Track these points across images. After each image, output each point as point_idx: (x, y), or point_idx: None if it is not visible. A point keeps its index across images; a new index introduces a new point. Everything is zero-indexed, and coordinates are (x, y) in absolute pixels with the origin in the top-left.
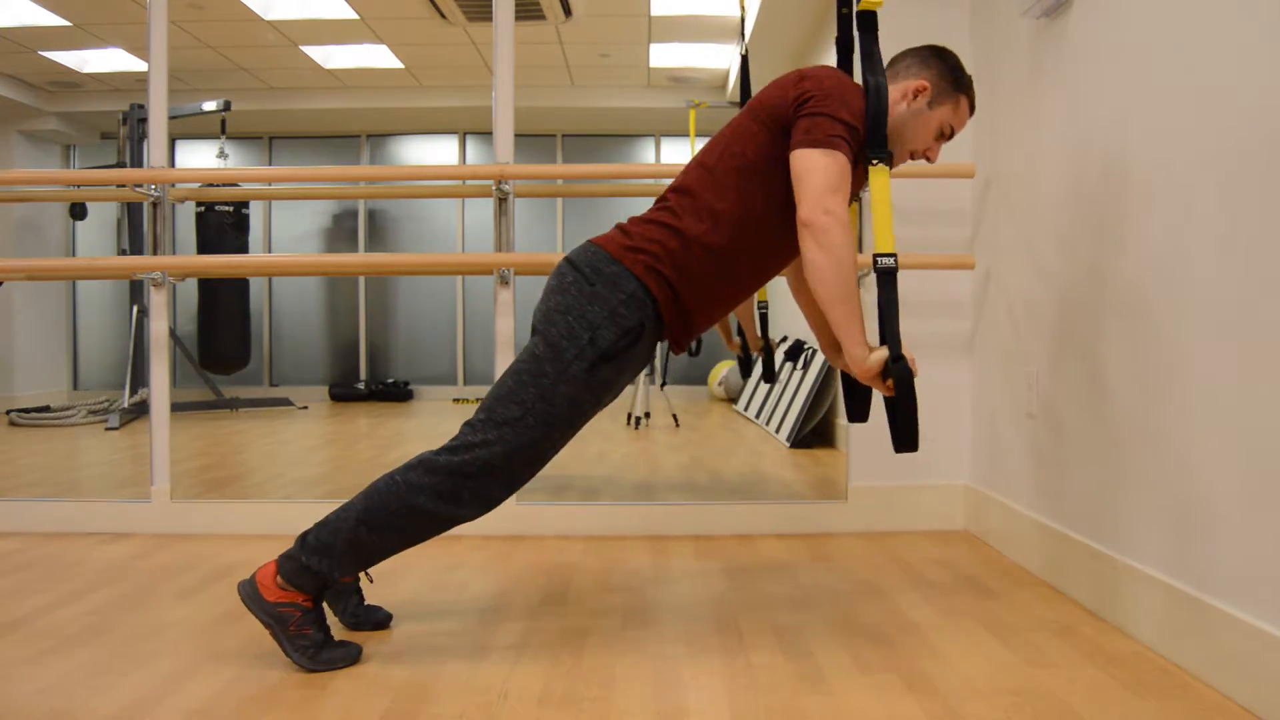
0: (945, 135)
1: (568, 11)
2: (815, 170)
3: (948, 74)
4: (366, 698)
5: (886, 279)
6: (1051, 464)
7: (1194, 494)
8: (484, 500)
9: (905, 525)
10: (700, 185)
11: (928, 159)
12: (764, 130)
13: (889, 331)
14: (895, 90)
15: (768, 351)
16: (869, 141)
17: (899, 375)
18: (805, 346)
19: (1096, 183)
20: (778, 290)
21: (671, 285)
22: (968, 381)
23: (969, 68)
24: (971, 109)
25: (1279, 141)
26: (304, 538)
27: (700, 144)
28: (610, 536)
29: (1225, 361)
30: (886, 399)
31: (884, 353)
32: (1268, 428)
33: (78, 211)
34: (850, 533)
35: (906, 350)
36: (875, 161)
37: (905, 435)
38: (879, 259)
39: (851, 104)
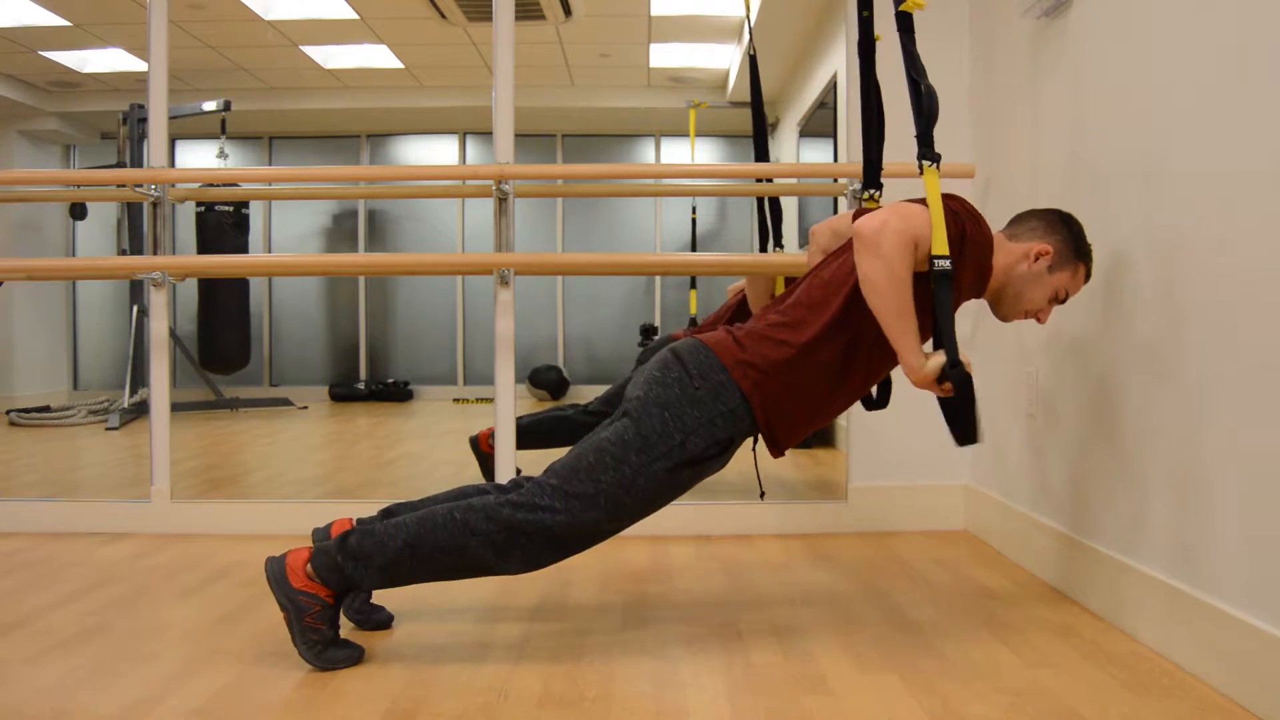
0: (1059, 299)
1: (568, 11)
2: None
3: (1071, 241)
4: (367, 697)
5: (942, 281)
6: (1051, 464)
7: (1194, 494)
8: (531, 562)
9: (905, 525)
10: (822, 299)
11: (1038, 320)
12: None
13: (946, 337)
14: (1018, 249)
15: None
16: (920, 141)
17: (958, 380)
18: None
19: (1096, 182)
20: None
21: (778, 402)
22: None
23: (969, 67)
24: (1088, 276)
25: (1279, 141)
26: (346, 538)
27: (700, 144)
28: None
29: (1225, 361)
30: (943, 399)
31: (940, 359)
32: (1268, 427)
33: (78, 211)
34: (850, 533)
35: (963, 354)
36: (929, 164)
37: (968, 431)
38: (935, 261)
39: (924, 227)
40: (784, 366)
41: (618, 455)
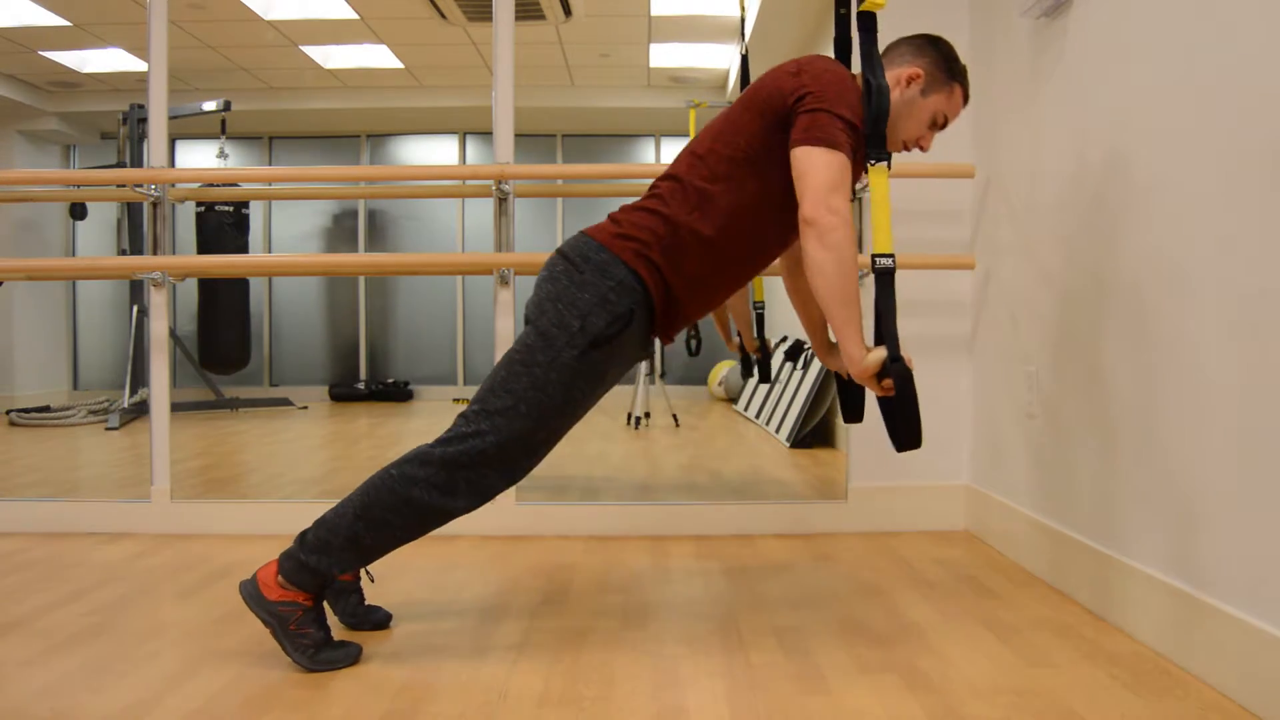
0: (939, 124)
1: (568, 11)
2: (818, 168)
3: (941, 62)
4: (366, 698)
5: (885, 279)
6: (1051, 464)
7: (1194, 494)
8: (480, 491)
9: (905, 525)
10: (691, 173)
11: (920, 148)
12: (758, 120)
13: (887, 332)
14: (889, 77)
15: (764, 353)
16: (869, 141)
17: (898, 375)
18: (805, 347)
19: (1097, 183)
20: (775, 291)
21: (660, 272)
22: (968, 381)
23: (968, 67)
24: (965, 98)
25: (1279, 141)
26: (303, 536)
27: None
28: (610, 536)
29: (1225, 361)
30: (883, 399)
31: (881, 353)
32: (1268, 427)
33: (78, 211)
34: (850, 533)
35: (904, 350)
36: (875, 161)
37: (908, 434)
38: (877, 259)
39: (850, 100)
40: (661, 235)
41: (526, 359)
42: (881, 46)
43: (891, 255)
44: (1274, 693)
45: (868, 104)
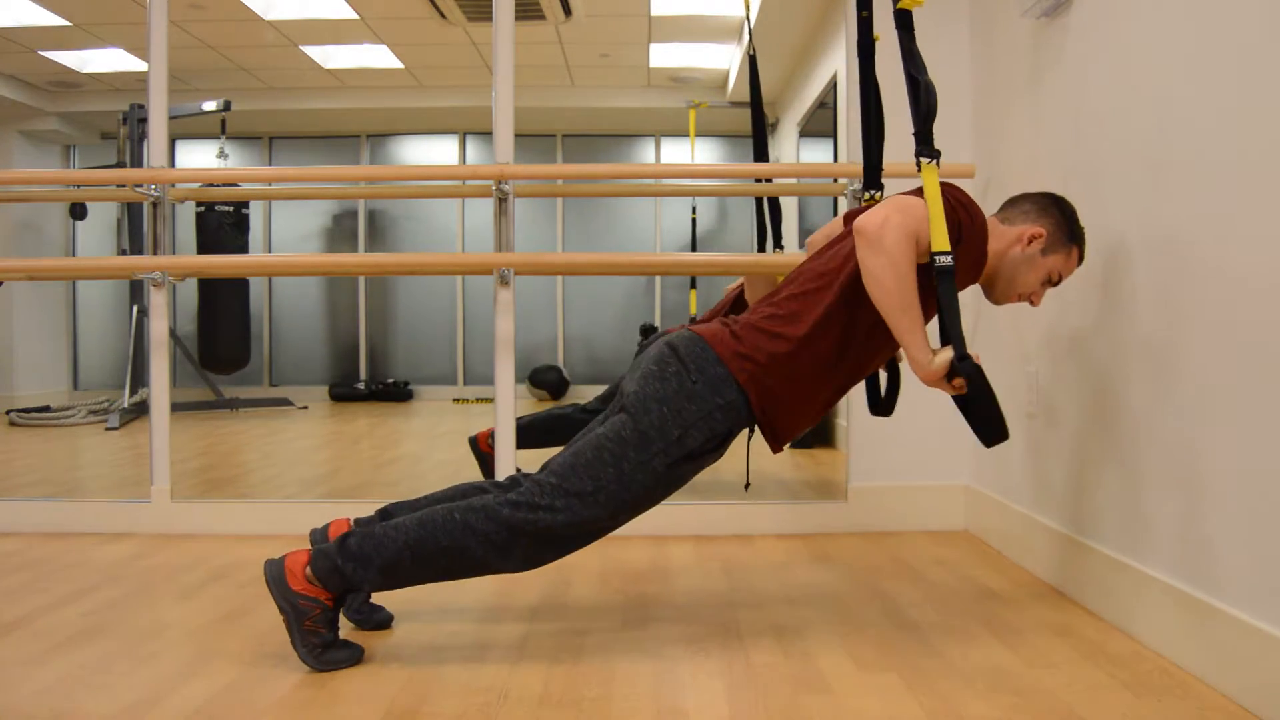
0: (1053, 282)
1: (568, 11)
2: (881, 209)
3: (1064, 224)
4: (367, 697)
5: (945, 277)
6: (1051, 464)
7: (1193, 494)
8: (533, 560)
9: (905, 525)
10: (815, 291)
11: (1031, 303)
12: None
13: (952, 331)
14: (1011, 233)
15: None
16: (918, 139)
17: (969, 372)
18: None
19: (1096, 182)
20: None
21: (773, 394)
22: None
23: (969, 67)
24: (1081, 259)
25: (1279, 141)
26: (345, 540)
27: (700, 144)
28: (610, 536)
29: (1225, 361)
30: (959, 398)
31: (948, 354)
32: (1269, 426)
33: (78, 211)
34: (850, 533)
35: (970, 348)
36: (926, 160)
37: (993, 429)
38: (936, 257)
39: (923, 221)
40: (780, 359)
41: (616, 452)
42: (881, 44)
43: (950, 253)
44: (1274, 693)
45: (915, 100)
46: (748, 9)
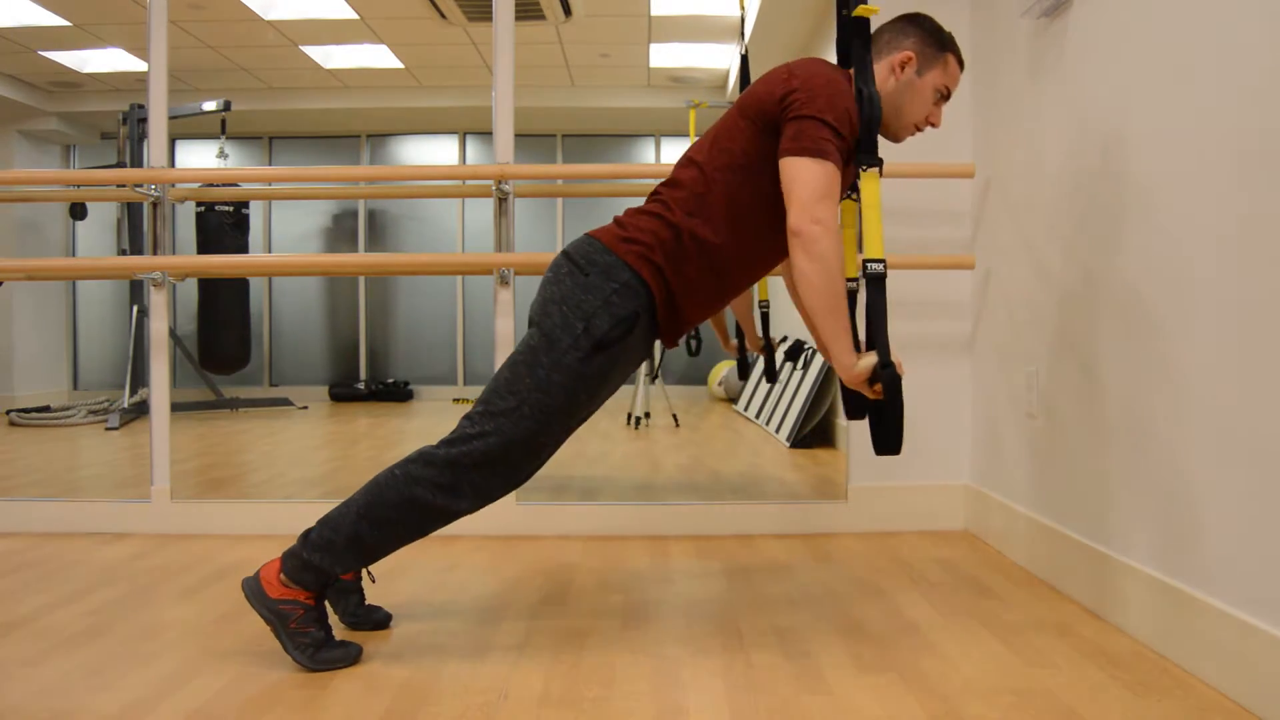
0: (944, 96)
1: (568, 11)
2: (804, 178)
3: (928, 38)
4: (367, 698)
5: (876, 284)
6: (1051, 464)
7: (1194, 493)
8: (484, 493)
9: (905, 525)
10: (690, 179)
11: (931, 124)
12: (751, 127)
13: (878, 337)
14: (881, 67)
15: (769, 350)
16: (860, 146)
17: (888, 381)
18: (805, 346)
19: (1097, 182)
20: (779, 289)
21: (664, 275)
22: (968, 381)
23: (969, 67)
24: (960, 65)
25: (1278, 141)
26: (306, 535)
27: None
28: (610, 536)
29: (1226, 361)
30: (874, 402)
31: (872, 359)
32: (1268, 427)
33: (78, 211)
34: (850, 533)
35: (894, 355)
36: (866, 168)
37: (890, 439)
38: (869, 264)
39: (839, 104)
40: (664, 240)
41: (530, 361)
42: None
43: (883, 260)
44: (1274, 692)
45: (860, 111)
46: (743, 9)
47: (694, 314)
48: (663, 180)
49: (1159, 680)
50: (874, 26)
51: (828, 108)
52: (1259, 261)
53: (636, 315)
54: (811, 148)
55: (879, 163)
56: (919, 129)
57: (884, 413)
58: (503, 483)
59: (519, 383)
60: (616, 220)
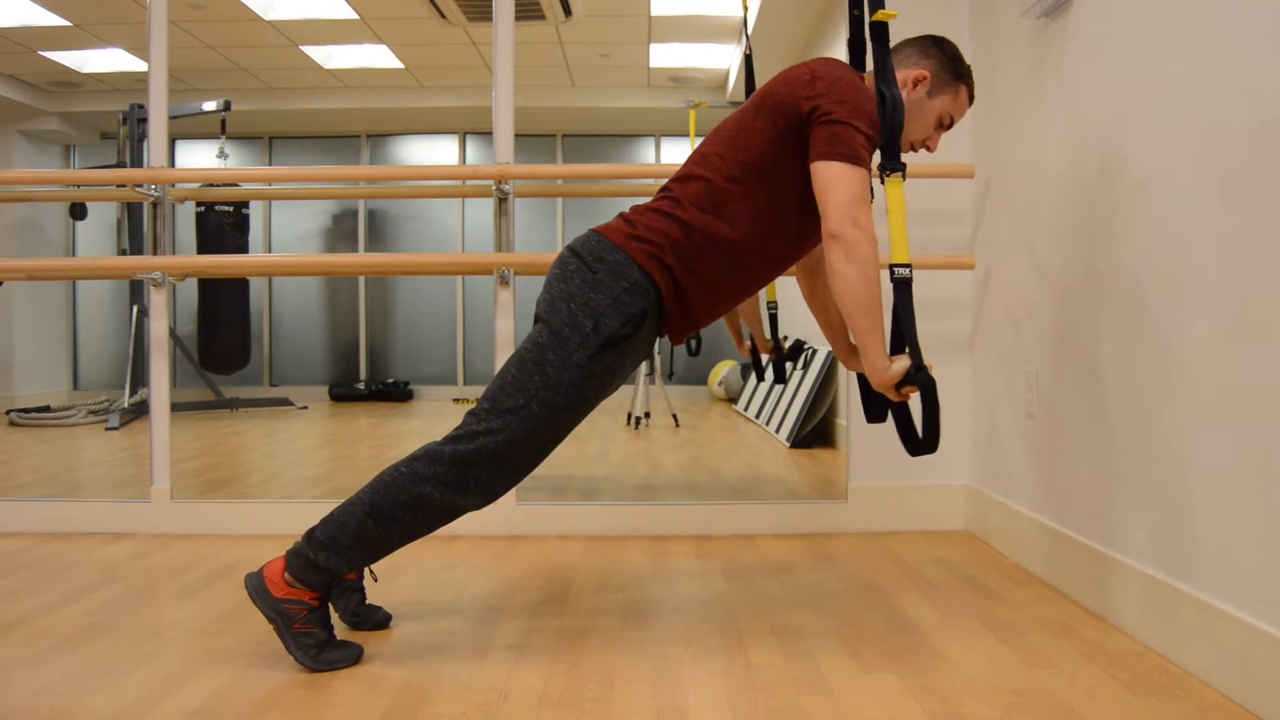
0: (945, 125)
1: (568, 11)
2: (842, 183)
3: (947, 64)
4: (367, 698)
5: (903, 289)
6: (1051, 464)
7: (1193, 494)
8: (490, 489)
9: (905, 525)
10: (704, 175)
11: (927, 148)
12: (771, 127)
13: (909, 341)
14: (895, 80)
15: (778, 353)
16: (884, 153)
17: (924, 384)
18: (805, 346)
19: (1097, 182)
20: (787, 291)
21: (673, 274)
22: (968, 381)
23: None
24: (971, 98)
25: (1278, 140)
26: (311, 533)
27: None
28: (610, 536)
29: (1226, 361)
30: (897, 405)
31: (905, 362)
32: (1268, 427)
33: (78, 211)
34: (850, 533)
35: (926, 358)
36: (890, 173)
37: (928, 439)
38: (895, 269)
39: (867, 110)
40: (675, 239)
41: (538, 359)
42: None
43: (909, 265)
44: (1274, 692)
45: (882, 114)
46: (745, 9)
47: (704, 312)
48: (673, 176)
49: (1159, 680)
50: (888, 34)
51: (857, 113)
52: (1259, 261)
53: (645, 313)
54: (846, 153)
55: (902, 168)
56: (914, 149)
57: (923, 414)
58: (509, 479)
59: (527, 380)
60: (624, 217)
